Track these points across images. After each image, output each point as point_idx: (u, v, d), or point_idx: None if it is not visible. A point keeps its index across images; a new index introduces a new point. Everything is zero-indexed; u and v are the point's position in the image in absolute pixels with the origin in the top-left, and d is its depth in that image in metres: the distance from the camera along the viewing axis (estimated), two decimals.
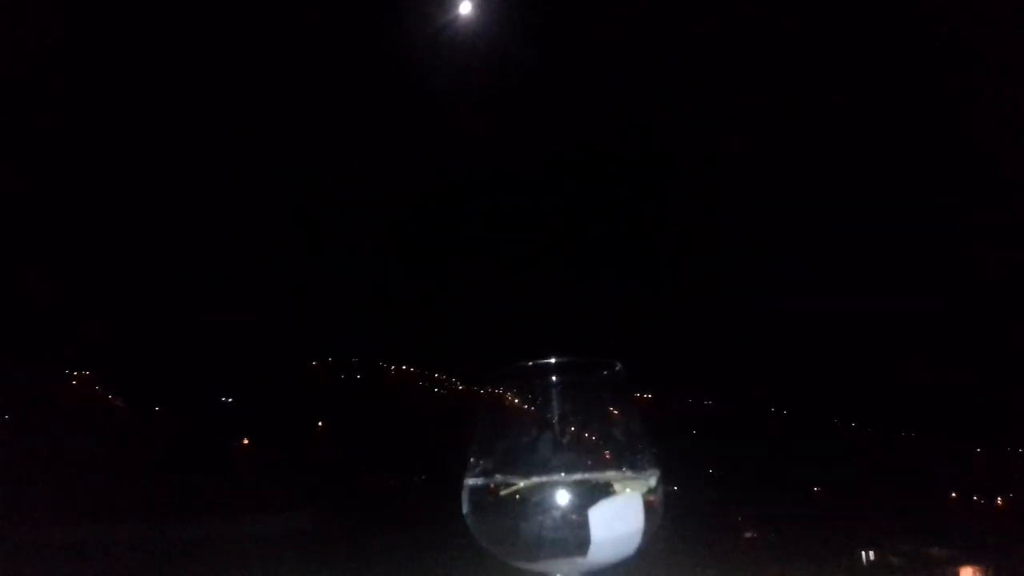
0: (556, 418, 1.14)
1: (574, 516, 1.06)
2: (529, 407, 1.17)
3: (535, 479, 1.09)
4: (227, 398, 69.93)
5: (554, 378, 1.16)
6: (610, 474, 1.10)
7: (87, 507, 25.53)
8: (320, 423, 70.84)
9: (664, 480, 1.16)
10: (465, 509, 1.16)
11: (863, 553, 32.18)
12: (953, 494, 73.52)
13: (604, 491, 1.08)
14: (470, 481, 1.16)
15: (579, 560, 1.07)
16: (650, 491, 1.12)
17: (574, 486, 1.08)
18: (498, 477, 1.12)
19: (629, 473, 1.11)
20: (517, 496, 1.09)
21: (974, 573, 25.39)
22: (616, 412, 1.17)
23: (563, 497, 1.07)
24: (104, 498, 27.96)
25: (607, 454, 1.13)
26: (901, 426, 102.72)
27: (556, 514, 1.06)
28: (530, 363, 1.18)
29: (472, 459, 1.18)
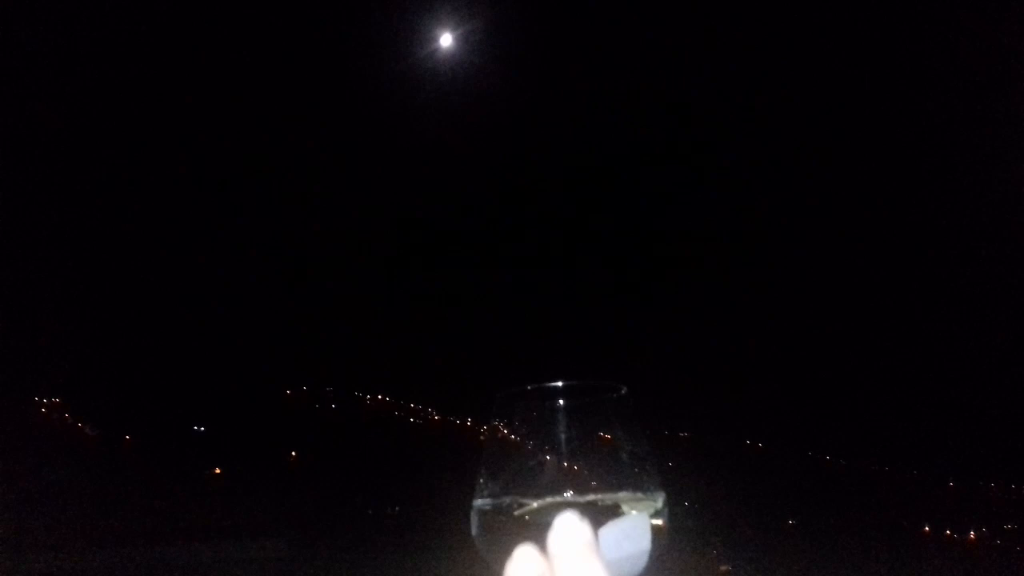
0: (564, 441, 1.17)
1: None
2: (537, 430, 1.19)
3: (549, 500, 1.11)
4: (200, 426, 69.24)
5: (561, 402, 1.19)
6: (618, 495, 1.12)
7: (62, 535, 25.11)
8: (295, 452, 70.20)
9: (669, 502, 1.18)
10: (475, 531, 1.17)
11: None
12: (926, 527, 73.71)
13: (612, 512, 1.10)
14: (479, 502, 1.17)
15: None
16: (657, 512, 1.14)
17: (583, 507, 1.10)
18: (508, 499, 1.13)
19: (636, 495, 1.14)
20: (527, 517, 1.10)
21: None
22: (622, 434, 1.19)
23: None
24: (80, 526, 27.51)
25: (614, 476, 1.15)
26: (875, 460, 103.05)
27: None
28: (537, 387, 1.20)
29: (480, 481, 1.19)
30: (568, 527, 0.99)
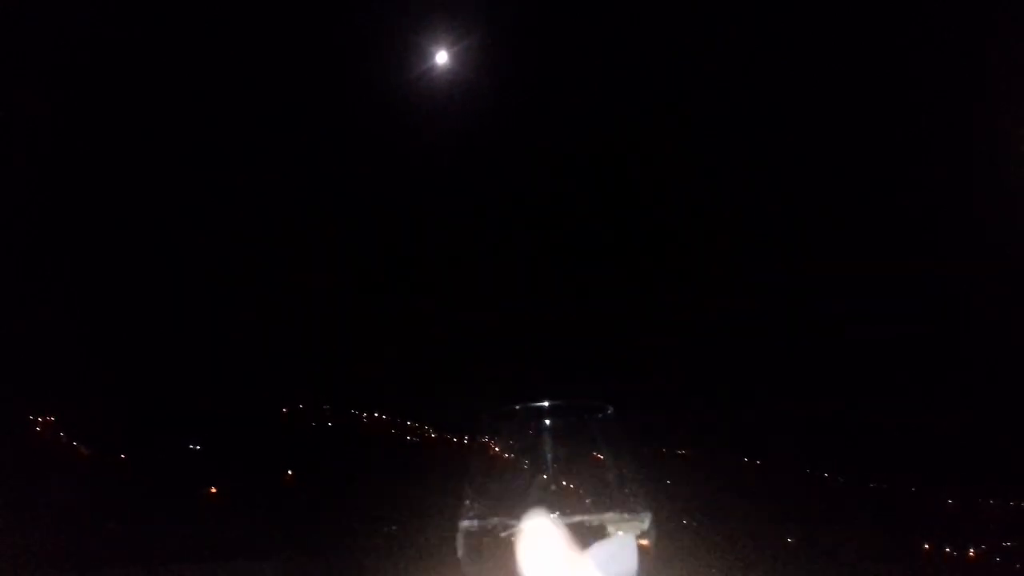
0: (550, 460, 1.16)
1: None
2: (523, 449, 1.19)
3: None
4: (196, 444, 69.03)
5: (547, 421, 1.18)
6: (605, 516, 1.12)
7: (55, 556, 25.00)
8: (291, 470, 69.97)
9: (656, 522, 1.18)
10: (460, 552, 1.17)
11: None
12: (926, 545, 73.56)
13: (599, 533, 1.10)
14: (465, 523, 1.17)
15: None
16: (643, 533, 1.14)
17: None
18: (494, 519, 1.13)
19: (623, 515, 1.13)
20: (513, 538, 1.10)
21: None
22: (609, 454, 1.19)
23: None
24: (73, 545, 27.41)
25: (601, 496, 1.15)
26: (874, 475, 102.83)
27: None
28: (523, 406, 1.20)
29: (467, 502, 1.19)
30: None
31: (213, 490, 57.25)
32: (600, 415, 1.20)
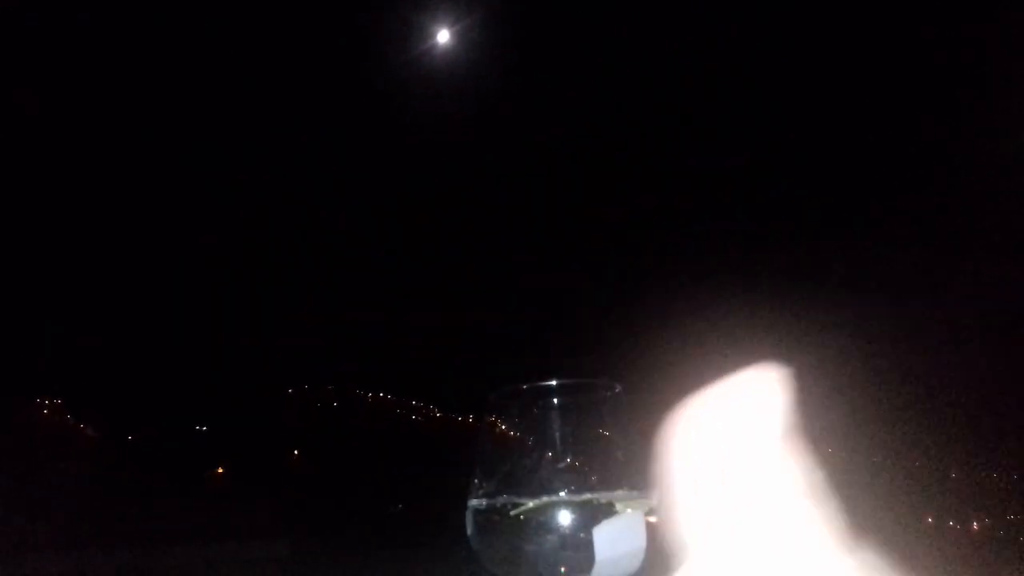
0: (558, 439, 1.16)
1: (580, 535, 1.08)
2: (531, 429, 1.19)
3: (544, 499, 1.11)
4: (202, 425, 69.30)
5: (556, 400, 1.18)
6: (613, 494, 1.12)
7: (61, 536, 25.12)
8: (296, 451, 70.27)
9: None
10: (470, 530, 1.17)
11: None
12: (929, 519, 73.75)
13: (607, 511, 1.10)
14: (474, 502, 1.17)
15: None
16: (651, 510, 1.14)
17: (579, 506, 1.10)
18: (503, 498, 1.13)
19: (631, 493, 1.14)
20: (522, 517, 1.10)
21: None
22: (616, 433, 1.19)
23: (568, 517, 1.09)
24: (79, 527, 27.52)
25: (609, 474, 1.15)
26: (876, 452, 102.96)
27: (562, 534, 1.08)
28: (531, 385, 1.20)
29: (475, 481, 1.19)
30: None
31: (219, 471, 57.51)
32: (607, 393, 1.21)
